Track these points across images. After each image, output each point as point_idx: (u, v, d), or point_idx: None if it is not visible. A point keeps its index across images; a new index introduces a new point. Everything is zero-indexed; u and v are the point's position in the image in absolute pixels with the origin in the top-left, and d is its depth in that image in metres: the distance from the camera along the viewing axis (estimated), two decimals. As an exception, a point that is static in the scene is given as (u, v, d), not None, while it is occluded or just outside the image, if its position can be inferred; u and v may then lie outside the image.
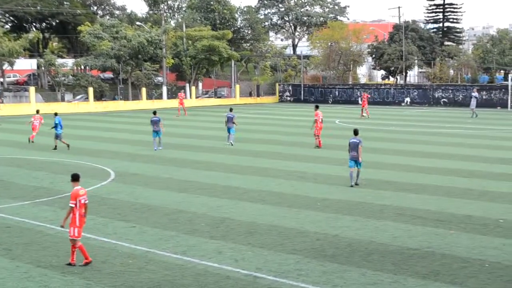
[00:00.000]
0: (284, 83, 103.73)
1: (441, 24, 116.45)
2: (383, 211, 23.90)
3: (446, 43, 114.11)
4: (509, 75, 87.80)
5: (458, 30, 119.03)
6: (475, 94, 69.13)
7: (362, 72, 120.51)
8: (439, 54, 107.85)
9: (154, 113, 42.94)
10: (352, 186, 28.41)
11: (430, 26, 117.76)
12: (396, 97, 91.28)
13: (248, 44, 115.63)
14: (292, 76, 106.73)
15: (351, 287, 15.88)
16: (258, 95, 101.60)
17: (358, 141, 28.40)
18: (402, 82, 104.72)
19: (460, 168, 33.30)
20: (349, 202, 25.48)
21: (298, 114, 73.87)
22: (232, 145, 42.74)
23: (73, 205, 17.39)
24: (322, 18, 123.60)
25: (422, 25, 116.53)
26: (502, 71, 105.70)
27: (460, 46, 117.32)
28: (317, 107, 44.43)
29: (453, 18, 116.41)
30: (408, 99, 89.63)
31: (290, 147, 42.25)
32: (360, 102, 79.01)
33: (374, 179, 30.40)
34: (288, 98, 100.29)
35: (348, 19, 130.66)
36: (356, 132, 29.24)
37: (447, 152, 39.18)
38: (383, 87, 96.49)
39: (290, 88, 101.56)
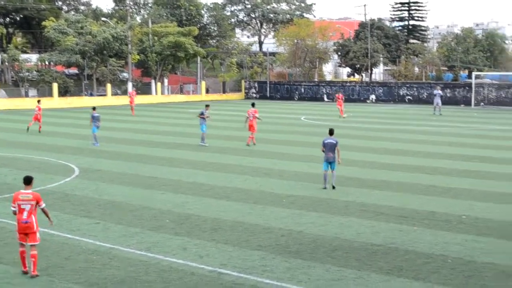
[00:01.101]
0: (250, 80, 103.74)
1: (406, 22, 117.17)
2: (347, 208, 24.00)
3: (411, 41, 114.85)
4: (473, 73, 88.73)
5: (423, 28, 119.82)
6: (439, 92, 69.60)
7: (328, 70, 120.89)
8: (404, 52, 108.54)
9: (94, 108, 43.37)
10: (325, 188, 27.25)
11: (395, 24, 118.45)
12: (361, 94, 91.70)
13: (214, 41, 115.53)
14: (258, 73, 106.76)
15: (315, 283, 15.94)
16: (224, 92, 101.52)
17: (334, 142, 27.22)
18: (367, 79, 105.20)
19: (424, 165, 33.55)
20: (314, 199, 25.56)
21: (264, 111, 73.82)
22: (205, 145, 41.35)
23: (13, 209, 16.61)
24: (288, 15, 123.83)
25: (387, 23, 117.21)
26: (466, 69, 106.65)
27: (425, 44, 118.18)
28: (253, 104, 44.36)
29: (418, 16, 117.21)
30: (373, 97, 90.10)
31: (256, 143, 42.22)
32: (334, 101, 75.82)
33: (339, 176, 30.37)
34: (254, 95, 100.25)
35: (314, 16, 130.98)
36: (331, 132, 27.85)
37: (411, 149, 39.44)
38: (348, 84, 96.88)
39: (256, 85, 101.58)
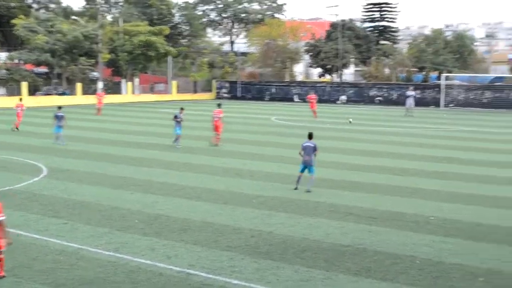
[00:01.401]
0: (221, 79, 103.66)
1: (377, 23, 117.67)
2: (317, 208, 24.05)
3: (382, 42, 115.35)
4: (442, 74, 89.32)
5: (393, 29, 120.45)
6: (411, 93, 69.94)
7: (299, 70, 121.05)
8: (375, 52, 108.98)
9: (60, 108, 43.39)
10: (296, 189, 27.16)
11: (366, 25, 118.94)
12: (332, 95, 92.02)
13: (185, 40, 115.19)
14: (229, 73, 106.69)
15: (284, 284, 15.95)
16: (195, 92, 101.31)
17: (312, 145, 27.13)
18: (338, 80, 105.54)
19: (394, 166, 33.73)
20: (283, 199, 25.58)
21: (235, 111, 73.87)
22: (179, 147, 40.69)
23: None
24: (259, 15, 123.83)
25: (359, 24, 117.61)
26: (436, 71, 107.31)
27: (396, 45, 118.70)
28: (218, 105, 44.41)
29: (389, 18, 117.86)
30: (344, 98, 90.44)
31: (227, 144, 42.21)
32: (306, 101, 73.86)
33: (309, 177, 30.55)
34: (225, 95, 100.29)
35: (286, 16, 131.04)
36: (310, 136, 27.77)
37: (382, 150, 39.64)
38: (319, 85, 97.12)
39: (227, 85, 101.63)
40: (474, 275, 16.66)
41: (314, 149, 27.08)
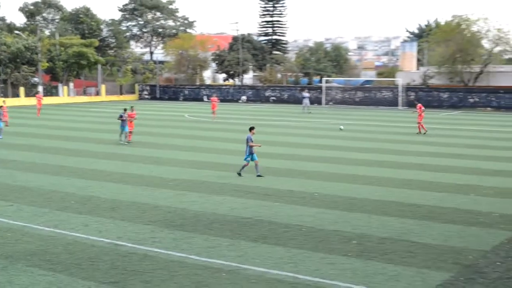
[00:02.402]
0: (143, 83, 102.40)
1: (270, 37, 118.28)
2: (223, 189, 24.10)
3: (274, 52, 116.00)
4: (323, 78, 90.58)
5: (284, 42, 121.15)
6: (307, 94, 70.46)
7: (207, 75, 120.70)
8: (269, 61, 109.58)
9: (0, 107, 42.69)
10: (239, 174, 26.66)
11: (262, 38, 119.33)
12: (234, 95, 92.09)
13: (112, 51, 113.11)
14: (149, 78, 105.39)
15: (196, 250, 15.95)
16: (121, 94, 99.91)
17: (247, 138, 26.72)
18: (239, 83, 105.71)
19: (285, 153, 34.06)
20: (195, 181, 25.53)
21: (154, 109, 73.24)
22: (126, 143, 38.12)
23: None
24: (174, 30, 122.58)
25: (255, 37, 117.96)
26: (318, 75, 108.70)
27: (286, 55, 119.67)
28: (131, 107, 41.08)
29: (280, 32, 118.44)
30: (244, 97, 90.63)
31: (147, 136, 41.81)
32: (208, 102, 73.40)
33: (216, 162, 30.61)
34: (146, 96, 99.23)
35: (196, 31, 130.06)
36: (251, 129, 27.27)
37: (275, 140, 39.95)
38: (224, 87, 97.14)
39: (148, 88, 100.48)
40: (348, 239, 17.01)
41: (247, 140, 26.68)
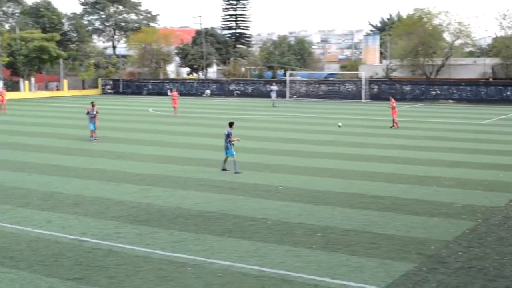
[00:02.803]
0: (105, 78, 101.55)
1: (234, 31, 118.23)
2: (187, 183, 24.05)
3: (238, 46, 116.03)
4: (287, 72, 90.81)
5: (247, 35, 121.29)
6: (274, 88, 70.39)
7: (171, 69, 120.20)
8: (232, 54, 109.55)
9: None
10: (224, 170, 26.29)
11: (225, 32, 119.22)
12: (198, 89, 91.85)
13: (74, 45, 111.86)
14: (112, 72, 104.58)
15: (161, 245, 15.91)
16: (83, 88, 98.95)
17: (227, 133, 26.29)
18: (203, 77, 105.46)
19: (249, 147, 34.01)
20: (159, 176, 25.44)
21: (118, 104, 72.71)
22: (94, 140, 36.59)
23: None
24: (137, 24, 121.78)
25: (219, 31, 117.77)
26: (282, 69, 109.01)
27: (249, 49, 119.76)
28: (92, 103, 38.26)
29: (244, 26, 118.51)
30: (208, 92, 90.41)
31: (111, 131, 41.48)
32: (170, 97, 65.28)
33: (180, 157, 30.52)
34: (109, 91, 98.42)
35: (159, 25, 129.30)
36: (231, 124, 26.90)
37: (239, 134, 39.81)
38: (188, 81, 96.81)
39: (111, 82, 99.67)
40: (313, 231, 17.12)
41: (228, 136, 26.22)
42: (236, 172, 25.76)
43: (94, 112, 36.95)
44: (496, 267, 14.16)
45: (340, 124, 39.37)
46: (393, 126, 43.80)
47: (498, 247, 15.65)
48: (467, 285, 13.02)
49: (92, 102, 38.66)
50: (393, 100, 45.31)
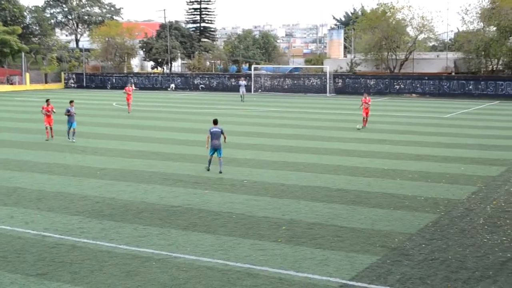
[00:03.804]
0: (68, 72, 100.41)
1: (198, 24, 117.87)
2: (152, 177, 23.95)
3: (203, 39, 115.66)
4: (252, 66, 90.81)
5: (212, 29, 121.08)
6: (243, 82, 70.10)
7: (135, 63, 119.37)
8: (197, 48, 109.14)
9: None
10: (208, 170, 24.97)
11: (190, 26, 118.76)
12: (163, 83, 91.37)
13: (36, 39, 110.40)
14: (75, 66, 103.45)
15: (125, 240, 15.83)
16: (46, 82, 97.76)
17: (219, 130, 24.71)
18: (168, 71, 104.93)
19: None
20: (124, 171, 25.27)
21: (81, 98, 71.96)
22: (73, 141, 33.89)
23: None
24: (100, 17, 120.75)
25: (183, 25, 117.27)
26: (247, 63, 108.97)
27: (214, 42, 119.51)
28: (47, 101, 35.84)
29: (208, 20, 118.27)
30: (173, 85, 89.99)
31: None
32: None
33: (144, 151, 30.36)
34: (73, 85, 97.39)
35: (122, 18, 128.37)
36: (215, 122, 25.24)
37: (204, 127, 39.79)
38: (152, 75, 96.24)
39: (74, 76, 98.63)
40: (278, 225, 17.18)
41: (221, 133, 24.77)
42: (220, 172, 24.56)
43: (73, 110, 34.30)
44: (458, 258, 14.38)
45: (358, 126, 36.16)
46: (364, 126, 39.91)
47: (460, 239, 15.88)
48: (430, 277, 13.20)
49: (47, 100, 36.10)
50: (368, 98, 41.21)
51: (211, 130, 24.84)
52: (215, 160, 25.13)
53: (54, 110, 35.55)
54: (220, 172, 24.51)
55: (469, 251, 14.96)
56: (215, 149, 24.75)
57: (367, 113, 40.48)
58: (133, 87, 55.17)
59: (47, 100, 36.15)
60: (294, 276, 13.31)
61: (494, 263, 14.08)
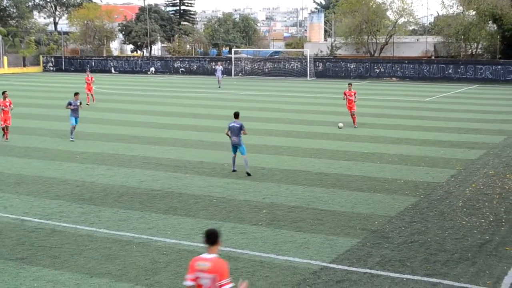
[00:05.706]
0: (47, 55, 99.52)
1: (178, 8, 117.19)
2: (132, 161, 23.86)
3: (183, 23, 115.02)
4: (232, 49, 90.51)
5: (192, 12, 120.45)
6: (219, 67, 69.61)
7: (115, 46, 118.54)
8: (177, 32, 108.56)
9: None
10: (234, 171, 21.87)
11: (169, 9, 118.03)
12: (143, 67, 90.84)
13: (14, 21, 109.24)
14: (54, 49, 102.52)
15: (106, 223, 15.79)
16: (24, 66, 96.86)
17: (238, 126, 21.48)
18: (147, 54, 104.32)
19: (196, 124, 33.97)
20: (103, 154, 25.15)
21: (60, 81, 71.39)
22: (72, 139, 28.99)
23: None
24: (78, 0, 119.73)
25: (163, 8, 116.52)
26: (227, 46, 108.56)
27: (194, 26, 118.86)
28: (3, 93, 29.65)
29: (188, 3, 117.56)
30: (153, 69, 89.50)
31: (52, 109, 40.74)
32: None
33: (124, 135, 30.22)
34: (51, 68, 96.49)
35: (101, 1, 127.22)
36: (236, 115, 22.03)
37: (184, 111, 39.77)
38: (132, 58, 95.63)
39: (53, 59, 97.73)
40: (258, 208, 17.22)
41: (241, 128, 21.53)
42: (248, 174, 21.44)
43: (78, 103, 29.79)
44: (437, 241, 14.50)
45: (340, 125, 32.84)
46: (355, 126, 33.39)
47: (439, 222, 16.01)
48: (410, 259, 13.31)
49: (3, 92, 29.86)
50: (353, 90, 34.54)
51: (230, 125, 21.82)
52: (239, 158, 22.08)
53: (12, 106, 29.80)
54: (248, 174, 21.35)
55: (448, 233, 15.09)
56: (235, 146, 21.78)
57: (351, 108, 33.88)
58: (92, 78, 47.26)
59: (3, 93, 29.79)
60: (274, 259, 13.35)
61: (472, 245, 14.22)
